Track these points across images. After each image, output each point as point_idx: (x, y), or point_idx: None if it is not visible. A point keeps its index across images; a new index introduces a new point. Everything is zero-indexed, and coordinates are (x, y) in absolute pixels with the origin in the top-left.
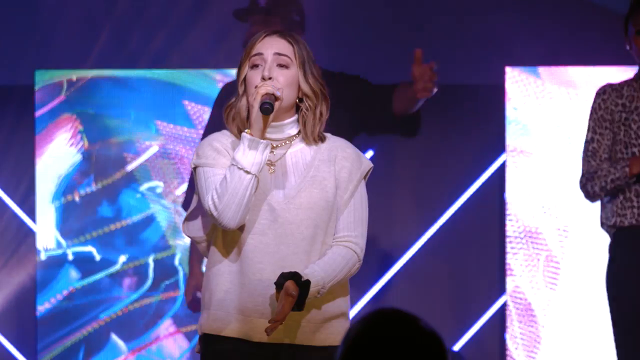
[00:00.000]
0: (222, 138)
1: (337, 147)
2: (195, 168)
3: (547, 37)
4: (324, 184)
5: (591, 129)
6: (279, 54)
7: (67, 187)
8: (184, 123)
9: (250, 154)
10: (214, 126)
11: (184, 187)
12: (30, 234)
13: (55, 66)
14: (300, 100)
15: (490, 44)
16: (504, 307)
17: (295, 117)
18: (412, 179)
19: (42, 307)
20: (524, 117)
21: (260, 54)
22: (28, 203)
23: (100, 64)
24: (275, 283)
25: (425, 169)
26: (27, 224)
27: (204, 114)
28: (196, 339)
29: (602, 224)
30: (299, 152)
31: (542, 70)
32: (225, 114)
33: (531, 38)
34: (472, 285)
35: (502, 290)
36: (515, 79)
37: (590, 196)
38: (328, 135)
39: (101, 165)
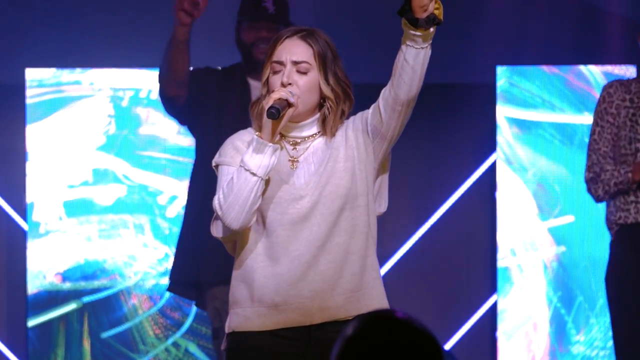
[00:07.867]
0: (245, 136)
1: (345, 126)
2: (216, 166)
3: (539, 37)
4: (347, 165)
5: (594, 122)
6: (297, 62)
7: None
8: None
9: (257, 157)
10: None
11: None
12: (21, 232)
13: (45, 64)
14: (323, 99)
15: (482, 43)
16: (495, 306)
17: (317, 116)
18: (402, 178)
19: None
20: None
21: (280, 61)
22: (19, 202)
23: (90, 63)
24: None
25: (416, 168)
26: (17, 222)
27: None
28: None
29: (607, 219)
30: (319, 147)
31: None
32: (251, 112)
33: (523, 37)
34: (463, 284)
35: (493, 289)
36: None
37: (595, 198)
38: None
39: None
